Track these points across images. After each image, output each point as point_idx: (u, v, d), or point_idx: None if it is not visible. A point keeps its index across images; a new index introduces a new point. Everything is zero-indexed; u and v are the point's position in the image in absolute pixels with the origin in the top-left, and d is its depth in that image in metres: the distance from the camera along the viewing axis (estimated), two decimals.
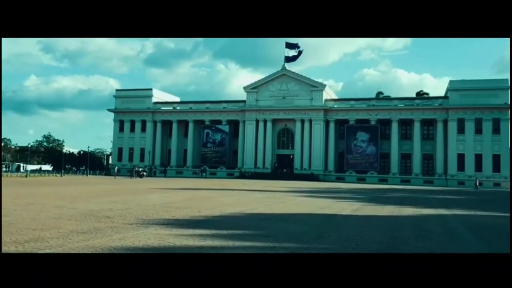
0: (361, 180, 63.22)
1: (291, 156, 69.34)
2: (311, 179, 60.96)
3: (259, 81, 71.74)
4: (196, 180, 53.88)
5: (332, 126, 68.12)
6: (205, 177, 63.63)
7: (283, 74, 69.88)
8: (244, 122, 71.01)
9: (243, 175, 66.13)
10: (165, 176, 65.85)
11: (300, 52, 69.96)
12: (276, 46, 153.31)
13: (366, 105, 68.08)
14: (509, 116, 57.08)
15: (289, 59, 69.84)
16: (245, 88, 72.20)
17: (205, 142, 73.33)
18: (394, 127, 65.86)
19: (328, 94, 71.67)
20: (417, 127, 65.02)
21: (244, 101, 71.89)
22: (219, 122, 73.25)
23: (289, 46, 70.00)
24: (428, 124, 66.08)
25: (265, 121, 69.83)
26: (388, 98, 75.67)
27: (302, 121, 68.24)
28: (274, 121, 70.03)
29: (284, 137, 71.17)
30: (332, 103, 69.82)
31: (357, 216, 16.10)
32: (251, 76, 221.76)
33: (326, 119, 68.09)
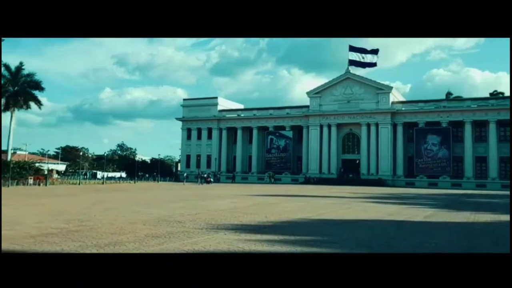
0: (432, 185, 60.43)
1: (357, 161, 67.88)
2: (378, 185, 59.26)
3: (322, 85, 71.17)
4: (260, 185, 54.35)
5: (400, 129, 65.92)
6: (273, 183, 64.03)
7: (347, 78, 68.79)
8: (307, 127, 70.67)
9: (308, 181, 65.72)
10: (233, 182, 67.08)
11: (375, 64, 68.47)
12: (339, 49, 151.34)
13: (436, 106, 65.19)
14: None
15: (354, 63, 68.61)
16: (308, 93, 71.92)
17: (269, 148, 73.80)
18: (467, 129, 62.43)
19: (395, 96, 69.47)
20: (492, 129, 61.17)
21: (307, 107, 71.58)
22: (283, 128, 73.45)
23: (353, 49, 68.87)
24: (504, 125, 61.79)
25: (329, 126, 69.03)
26: (460, 99, 71.97)
27: (368, 125, 66.68)
28: (339, 126, 69.03)
29: (350, 142, 69.91)
30: (400, 106, 67.57)
31: (430, 222, 15.45)
32: (315, 81, 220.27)
33: (393, 122, 66.02)
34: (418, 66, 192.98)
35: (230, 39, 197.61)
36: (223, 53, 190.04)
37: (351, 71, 68.80)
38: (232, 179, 70.41)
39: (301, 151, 71.73)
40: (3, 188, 37.29)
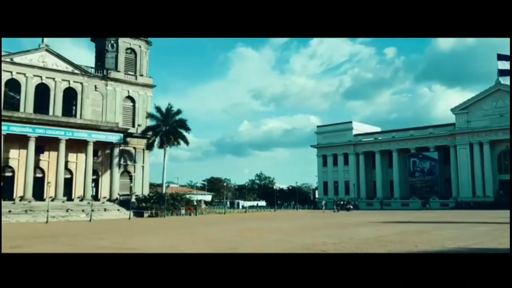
0: None
1: None
2: None
3: (469, 100, 65.11)
4: (405, 212, 51.09)
5: None
6: (429, 209, 59.42)
7: (498, 90, 61.86)
8: (455, 147, 64.88)
9: (459, 206, 59.76)
10: (382, 208, 64.33)
11: None
12: (486, 59, 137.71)
13: None
14: None
15: (504, 73, 61.55)
16: (453, 110, 66.40)
17: (412, 171, 69.37)
18: None
19: None
20: None
21: (453, 124, 65.95)
22: (426, 149, 68.61)
23: (502, 57, 61.98)
24: None
25: (480, 144, 62.40)
26: None
27: None
28: (492, 143, 61.92)
29: (507, 160, 61.97)
30: None
31: None
32: (460, 96, 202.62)
33: None
34: None
35: (362, 61, 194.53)
36: (356, 76, 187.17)
37: (502, 82, 61.82)
38: (381, 205, 67.38)
39: (449, 173, 65.89)
40: (160, 219, 41.29)
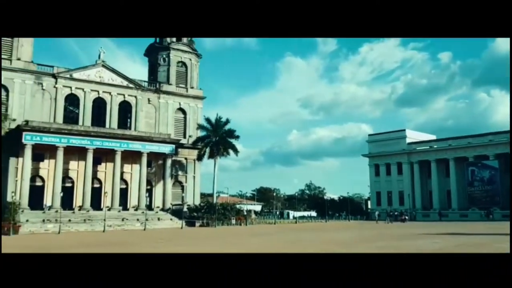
0: None
1: None
2: None
3: None
4: (465, 224, 48.61)
5: None
6: (492, 220, 56.24)
7: None
8: None
9: None
10: (440, 220, 61.66)
11: None
12: None
13: None
14: None
15: None
16: None
17: (471, 181, 66.00)
18: None
19: None
20: None
21: None
22: (485, 157, 65.12)
23: None
24: None
25: None
26: None
27: None
28: None
29: None
30: None
31: None
32: None
33: None
34: None
35: (416, 67, 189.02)
36: (409, 82, 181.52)
37: None
38: (440, 217, 64.43)
39: None
40: (211, 228, 41.71)
